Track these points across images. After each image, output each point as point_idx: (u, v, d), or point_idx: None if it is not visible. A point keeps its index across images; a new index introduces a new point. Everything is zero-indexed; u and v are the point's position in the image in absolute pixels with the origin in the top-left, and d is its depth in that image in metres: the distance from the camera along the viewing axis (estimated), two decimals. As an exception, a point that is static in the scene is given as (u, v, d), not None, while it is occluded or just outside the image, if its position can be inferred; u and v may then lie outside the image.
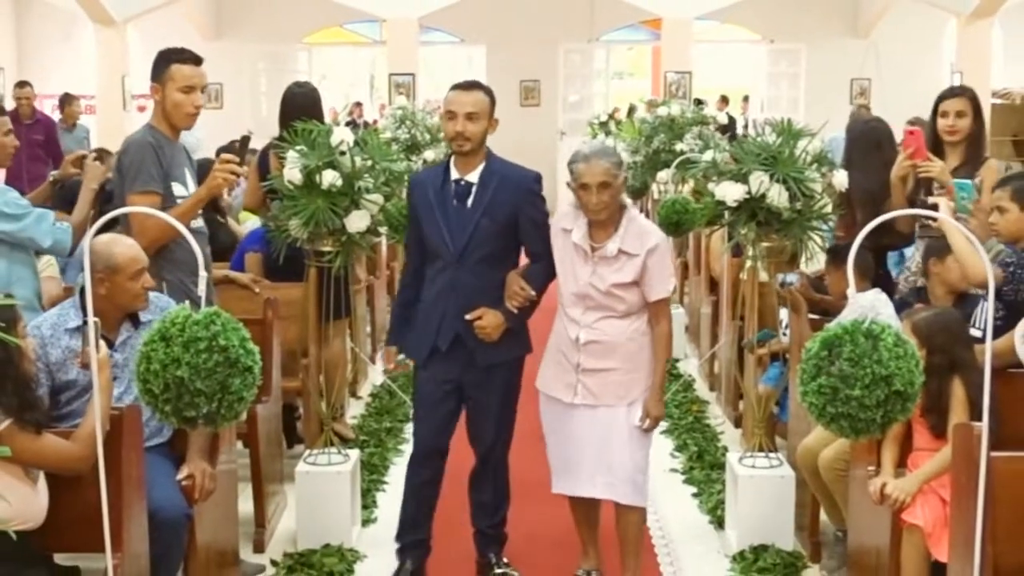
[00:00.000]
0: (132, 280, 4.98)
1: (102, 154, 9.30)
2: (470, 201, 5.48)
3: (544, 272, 5.56)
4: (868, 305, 5.41)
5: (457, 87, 5.55)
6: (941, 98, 6.49)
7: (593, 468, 5.42)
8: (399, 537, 5.79)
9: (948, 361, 5.00)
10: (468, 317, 5.43)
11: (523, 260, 5.66)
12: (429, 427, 5.68)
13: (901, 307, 5.96)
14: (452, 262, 5.46)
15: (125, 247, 4.96)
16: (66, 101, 16.43)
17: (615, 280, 5.31)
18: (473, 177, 5.49)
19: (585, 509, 5.67)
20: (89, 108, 20.19)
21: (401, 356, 5.80)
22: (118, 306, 4.95)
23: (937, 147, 6.31)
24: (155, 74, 5.76)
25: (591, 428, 5.40)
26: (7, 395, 4.13)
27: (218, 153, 10.63)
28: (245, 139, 5.98)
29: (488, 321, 5.42)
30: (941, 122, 6.35)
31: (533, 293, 5.44)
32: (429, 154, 10.81)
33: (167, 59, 5.76)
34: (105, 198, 6.44)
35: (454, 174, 5.52)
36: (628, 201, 5.51)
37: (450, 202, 5.49)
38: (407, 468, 5.80)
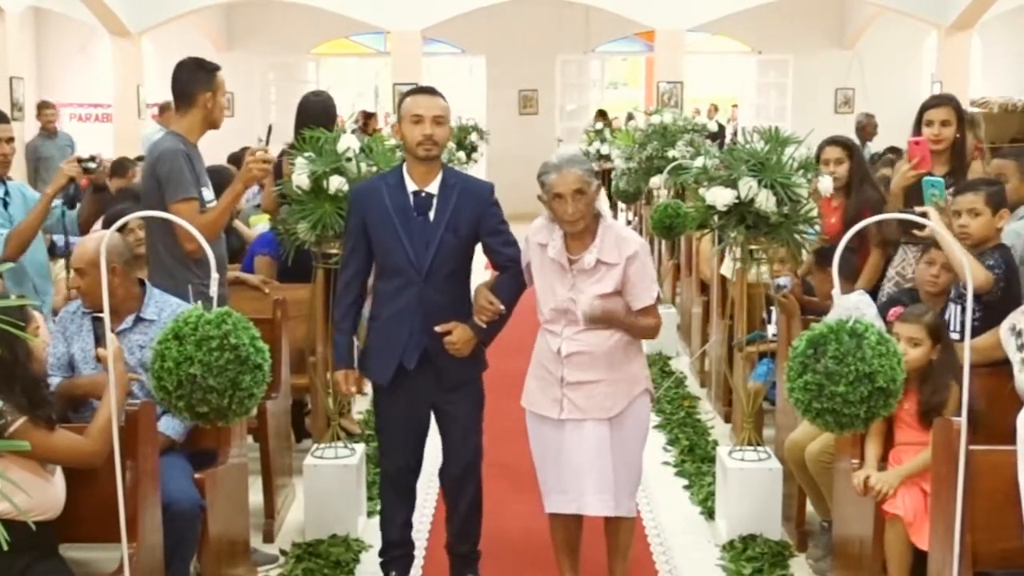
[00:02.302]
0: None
1: (125, 163, 9.34)
2: (432, 214, 5.09)
3: (513, 284, 5.20)
4: (852, 306, 5.40)
5: (419, 92, 5.22)
6: (925, 107, 6.45)
7: (585, 485, 5.00)
8: (383, 553, 5.54)
9: (953, 358, 5.01)
10: (438, 329, 5.07)
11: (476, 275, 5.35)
12: (399, 448, 5.36)
13: (889, 307, 5.93)
14: (417, 280, 5.07)
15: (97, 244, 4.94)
16: (41, 107, 15.41)
17: (595, 292, 4.93)
18: (433, 188, 5.10)
19: (568, 531, 5.29)
20: (106, 116, 20.23)
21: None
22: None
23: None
24: (205, 83, 5.74)
25: (580, 444, 5.01)
26: (15, 395, 4.12)
27: (230, 160, 10.66)
28: (270, 128, 5.96)
29: (458, 336, 5.08)
30: (926, 131, 6.29)
31: (503, 307, 5.06)
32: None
33: (210, 69, 5.79)
34: (77, 195, 6.40)
35: (411, 185, 5.10)
36: (604, 209, 5.20)
37: (411, 215, 5.08)
38: (380, 489, 5.58)
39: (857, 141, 9.37)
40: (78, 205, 6.52)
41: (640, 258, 4.98)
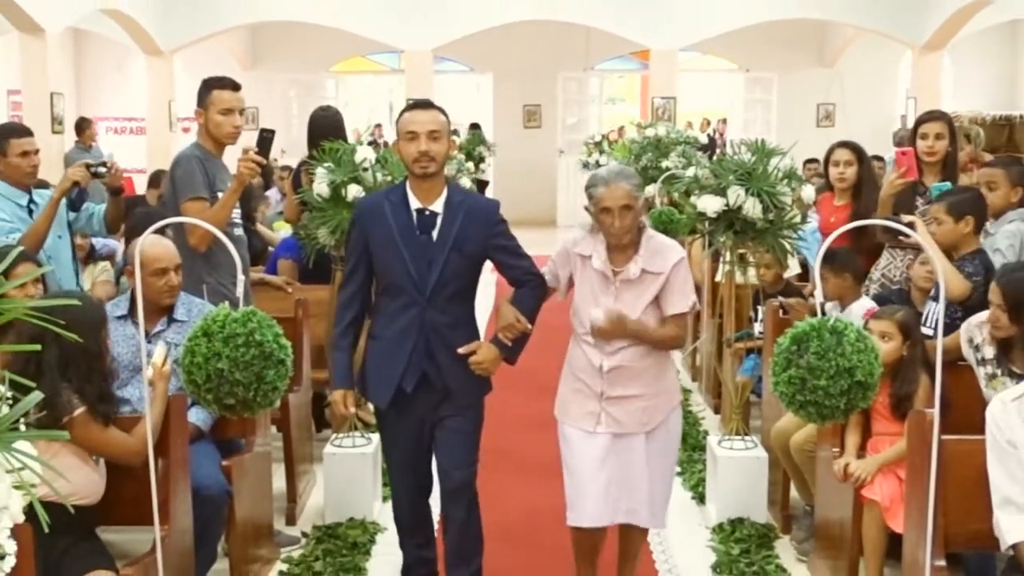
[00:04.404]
0: (153, 276, 5.01)
1: (160, 175, 9.40)
2: (435, 233, 4.56)
3: (533, 298, 4.75)
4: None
5: (414, 107, 4.66)
6: (920, 121, 6.44)
7: (616, 496, 4.67)
8: (404, 574, 5.14)
9: (923, 353, 5.03)
10: (462, 350, 4.60)
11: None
12: (406, 470, 4.87)
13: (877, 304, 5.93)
14: (419, 300, 4.56)
15: (149, 247, 4.94)
16: (83, 125, 16.11)
17: (642, 306, 4.62)
18: (437, 206, 4.57)
19: (592, 542, 4.88)
20: (140, 129, 20.26)
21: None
22: (146, 299, 4.78)
23: (916, 166, 6.27)
24: (199, 99, 5.78)
25: (614, 456, 4.67)
26: (92, 386, 4.17)
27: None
28: (261, 133, 5.85)
29: (484, 355, 4.62)
30: (921, 144, 6.28)
31: (529, 326, 4.65)
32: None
33: (209, 86, 5.78)
34: (80, 198, 6.39)
35: (414, 203, 4.58)
36: (646, 221, 4.77)
37: (413, 233, 4.56)
38: (394, 513, 5.05)
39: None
40: (90, 207, 6.52)
41: (683, 265, 4.68)
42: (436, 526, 5.14)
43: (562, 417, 4.86)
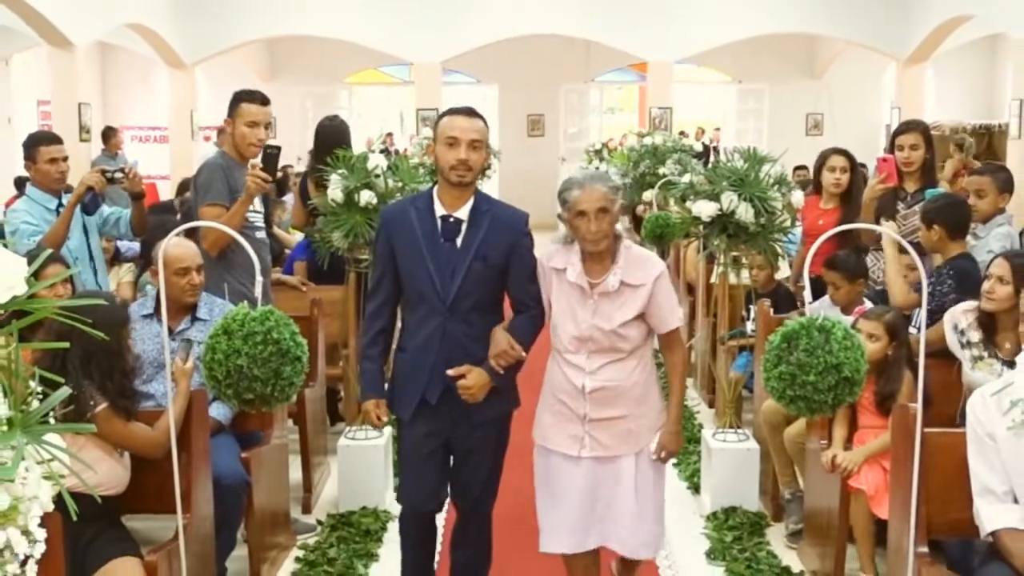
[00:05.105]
0: (175, 276, 5.02)
1: (188, 182, 9.45)
2: (459, 240, 4.20)
3: (531, 326, 4.31)
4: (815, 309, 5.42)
5: (457, 112, 4.27)
6: (897, 133, 6.45)
7: (601, 521, 4.25)
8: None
9: (907, 353, 5.03)
10: (451, 373, 4.19)
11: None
12: (419, 485, 4.41)
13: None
14: (441, 309, 4.19)
15: (172, 248, 4.96)
16: (109, 133, 16.18)
17: (621, 319, 4.13)
18: (463, 214, 4.21)
19: (587, 570, 4.42)
20: (163, 138, 20.27)
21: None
22: (170, 297, 4.70)
23: (897, 173, 6.28)
24: (229, 109, 5.78)
25: (598, 481, 4.25)
26: (113, 383, 4.17)
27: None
28: (266, 150, 5.77)
29: (473, 380, 4.19)
30: (898, 154, 6.29)
31: (524, 354, 4.24)
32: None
33: (238, 98, 5.77)
34: (93, 202, 6.38)
35: (440, 209, 4.22)
36: (621, 230, 4.29)
37: (437, 240, 4.20)
38: (400, 527, 4.64)
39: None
40: (117, 211, 6.52)
41: (665, 277, 4.21)
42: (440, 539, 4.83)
43: (542, 441, 4.37)
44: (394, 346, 4.47)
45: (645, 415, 4.26)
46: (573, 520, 4.26)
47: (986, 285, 4.80)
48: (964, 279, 5.33)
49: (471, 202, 4.23)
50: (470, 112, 4.26)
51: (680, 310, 4.29)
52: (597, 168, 17.05)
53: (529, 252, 4.32)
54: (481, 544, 4.61)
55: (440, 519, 4.72)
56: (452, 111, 4.27)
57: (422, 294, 4.22)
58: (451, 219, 4.21)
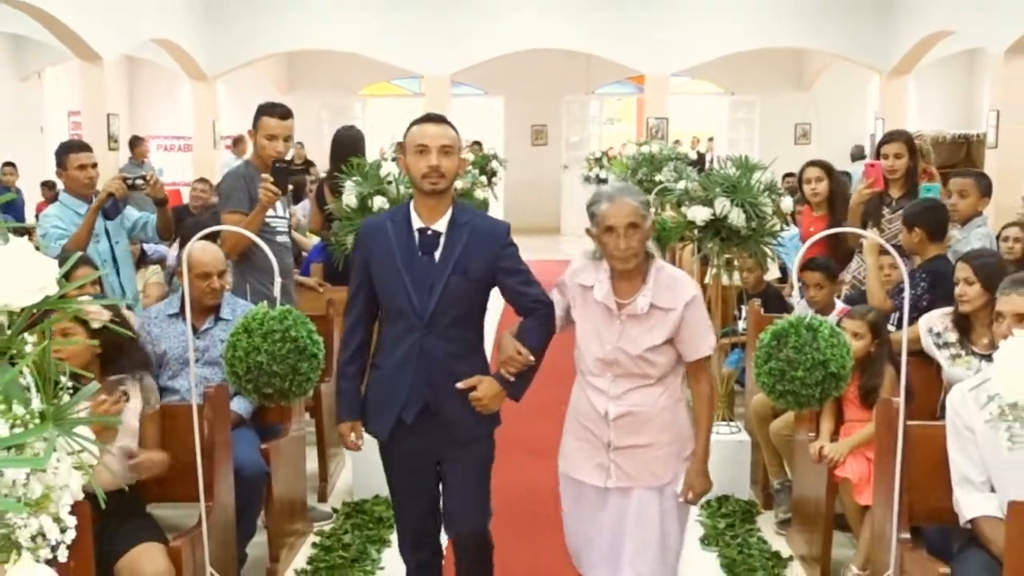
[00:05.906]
0: (198, 279, 5.03)
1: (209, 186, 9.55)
2: (438, 254, 3.82)
3: (541, 329, 3.90)
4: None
5: (425, 120, 3.89)
6: (881, 143, 6.49)
7: (624, 555, 3.83)
8: None
9: (889, 350, 5.03)
10: (461, 386, 3.85)
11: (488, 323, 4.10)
12: (412, 510, 4.11)
13: (848, 304, 5.93)
14: (418, 325, 3.82)
15: (197, 252, 4.99)
16: (136, 142, 16.25)
17: (649, 344, 3.73)
18: (440, 226, 3.84)
19: None
20: (187, 146, 20.30)
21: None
22: (193, 299, 4.64)
23: (883, 178, 6.31)
24: (253, 121, 5.79)
25: (624, 513, 3.85)
26: (138, 367, 4.25)
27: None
28: (274, 165, 5.72)
29: (484, 391, 3.84)
30: (883, 163, 6.32)
31: (532, 358, 3.82)
32: (457, 183, 10.76)
33: (261, 111, 5.77)
34: (114, 207, 6.37)
35: (416, 222, 3.85)
36: (653, 249, 3.84)
37: (415, 254, 3.83)
38: (400, 553, 4.28)
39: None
40: (144, 216, 6.53)
41: (698, 302, 3.78)
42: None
43: (567, 470, 3.99)
44: (369, 362, 4.10)
45: (672, 443, 3.86)
46: (599, 551, 3.91)
47: (957, 289, 4.83)
48: (938, 280, 5.37)
49: (449, 213, 3.87)
50: (439, 119, 3.90)
51: (712, 337, 3.86)
52: (598, 175, 17.16)
53: (516, 258, 3.94)
54: (482, 569, 4.21)
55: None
56: (420, 119, 3.90)
57: (399, 309, 3.86)
58: (429, 232, 3.85)
